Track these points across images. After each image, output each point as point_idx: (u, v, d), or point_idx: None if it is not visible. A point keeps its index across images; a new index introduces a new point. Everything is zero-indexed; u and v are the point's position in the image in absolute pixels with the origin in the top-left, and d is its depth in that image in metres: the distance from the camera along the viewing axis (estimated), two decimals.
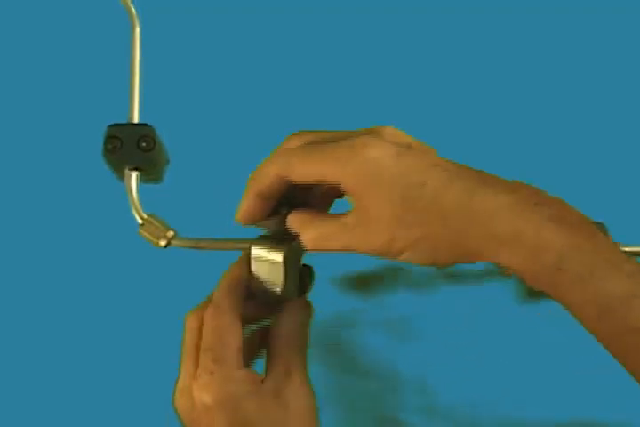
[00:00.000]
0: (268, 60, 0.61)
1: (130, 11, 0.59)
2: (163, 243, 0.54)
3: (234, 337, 0.45)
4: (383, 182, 0.40)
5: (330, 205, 0.47)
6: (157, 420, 0.49)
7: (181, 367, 0.46)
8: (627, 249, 0.54)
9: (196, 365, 0.45)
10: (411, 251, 0.41)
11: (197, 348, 0.45)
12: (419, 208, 0.40)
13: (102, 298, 0.57)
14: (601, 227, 0.54)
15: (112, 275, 0.57)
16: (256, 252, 0.47)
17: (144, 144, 0.56)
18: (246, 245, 0.48)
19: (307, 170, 0.42)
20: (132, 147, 0.55)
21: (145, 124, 0.56)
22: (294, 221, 0.45)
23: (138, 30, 0.59)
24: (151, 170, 0.57)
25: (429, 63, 0.61)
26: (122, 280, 0.57)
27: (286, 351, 0.46)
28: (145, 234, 0.55)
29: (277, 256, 0.46)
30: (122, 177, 0.56)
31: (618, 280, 0.39)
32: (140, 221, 0.55)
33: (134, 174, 0.56)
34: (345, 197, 0.44)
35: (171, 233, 0.54)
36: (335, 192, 0.45)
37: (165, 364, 0.48)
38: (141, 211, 0.55)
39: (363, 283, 0.57)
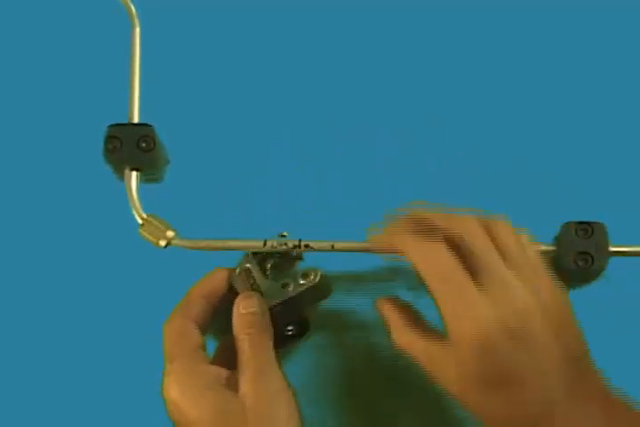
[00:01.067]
0: (269, 60, 0.61)
1: (130, 10, 0.59)
2: (163, 243, 0.54)
3: (185, 338, 0.49)
4: None
5: None
6: (156, 420, 0.49)
7: None
8: (627, 249, 0.54)
9: None
10: None
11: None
12: None
13: (102, 298, 0.57)
14: (601, 227, 0.53)
15: (112, 275, 0.57)
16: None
17: (144, 144, 0.56)
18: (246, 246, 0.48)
19: None
20: (131, 147, 0.55)
21: (145, 124, 0.56)
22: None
23: (138, 30, 0.59)
24: (151, 170, 0.57)
25: (430, 63, 0.61)
26: (122, 280, 0.57)
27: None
28: (145, 234, 0.55)
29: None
30: (122, 177, 0.56)
31: None
32: (140, 222, 0.55)
33: (134, 174, 0.56)
34: None
35: (171, 233, 0.54)
36: None
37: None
38: (141, 211, 0.55)
39: (362, 283, 0.57)
